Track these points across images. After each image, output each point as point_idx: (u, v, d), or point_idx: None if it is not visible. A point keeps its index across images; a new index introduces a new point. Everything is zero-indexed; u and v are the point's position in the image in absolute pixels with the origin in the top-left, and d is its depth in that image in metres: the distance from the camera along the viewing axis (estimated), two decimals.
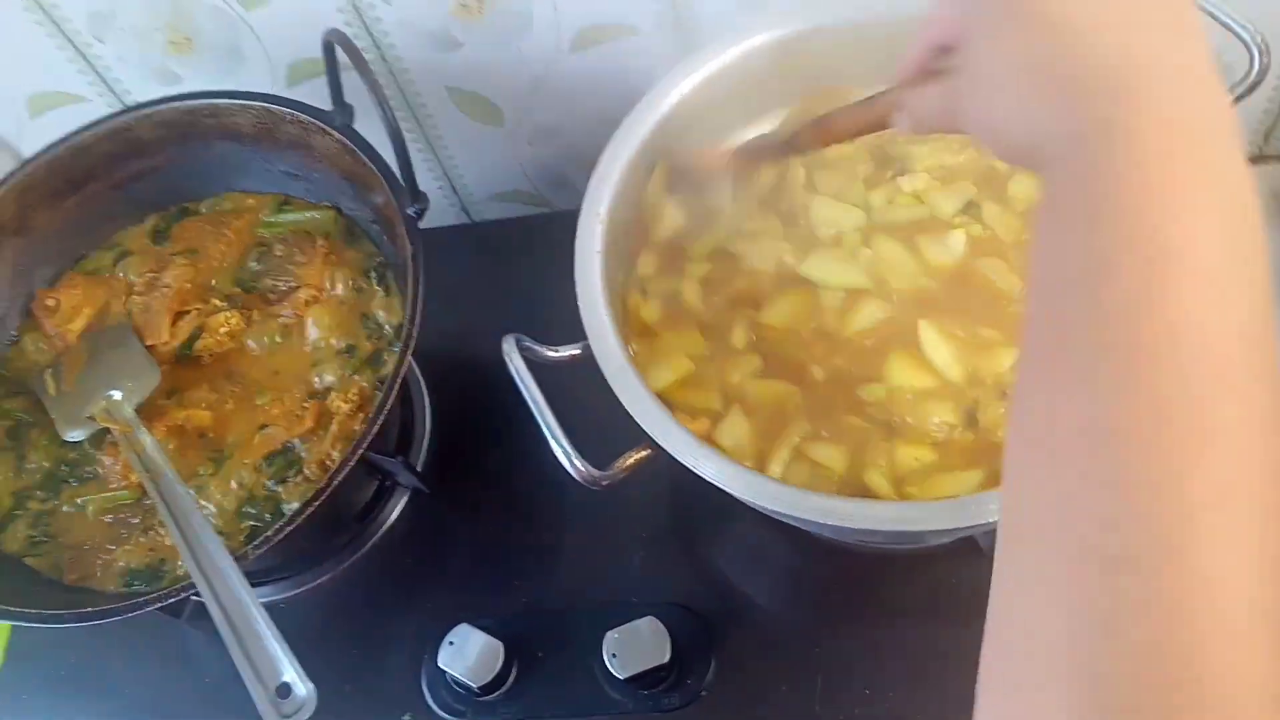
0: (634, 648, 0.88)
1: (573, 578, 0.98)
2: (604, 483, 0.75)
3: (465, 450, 1.06)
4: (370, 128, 0.97)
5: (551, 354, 0.82)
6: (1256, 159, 1.15)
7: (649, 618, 0.89)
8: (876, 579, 0.94)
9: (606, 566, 0.98)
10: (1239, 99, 0.82)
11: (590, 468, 0.74)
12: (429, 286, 1.19)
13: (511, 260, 1.21)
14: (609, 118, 1.18)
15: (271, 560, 0.97)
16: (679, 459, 0.75)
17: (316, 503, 0.78)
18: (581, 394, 0.82)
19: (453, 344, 1.16)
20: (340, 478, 0.78)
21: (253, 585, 1.00)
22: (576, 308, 0.84)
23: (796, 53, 0.95)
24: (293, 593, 1.01)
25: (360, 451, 0.79)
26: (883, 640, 0.90)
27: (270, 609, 0.99)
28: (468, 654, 0.90)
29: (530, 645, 0.94)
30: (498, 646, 0.90)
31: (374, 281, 0.98)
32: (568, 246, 0.87)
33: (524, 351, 0.80)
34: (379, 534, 1.03)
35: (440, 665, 0.89)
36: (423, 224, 1.29)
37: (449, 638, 0.90)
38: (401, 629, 0.98)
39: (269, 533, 0.78)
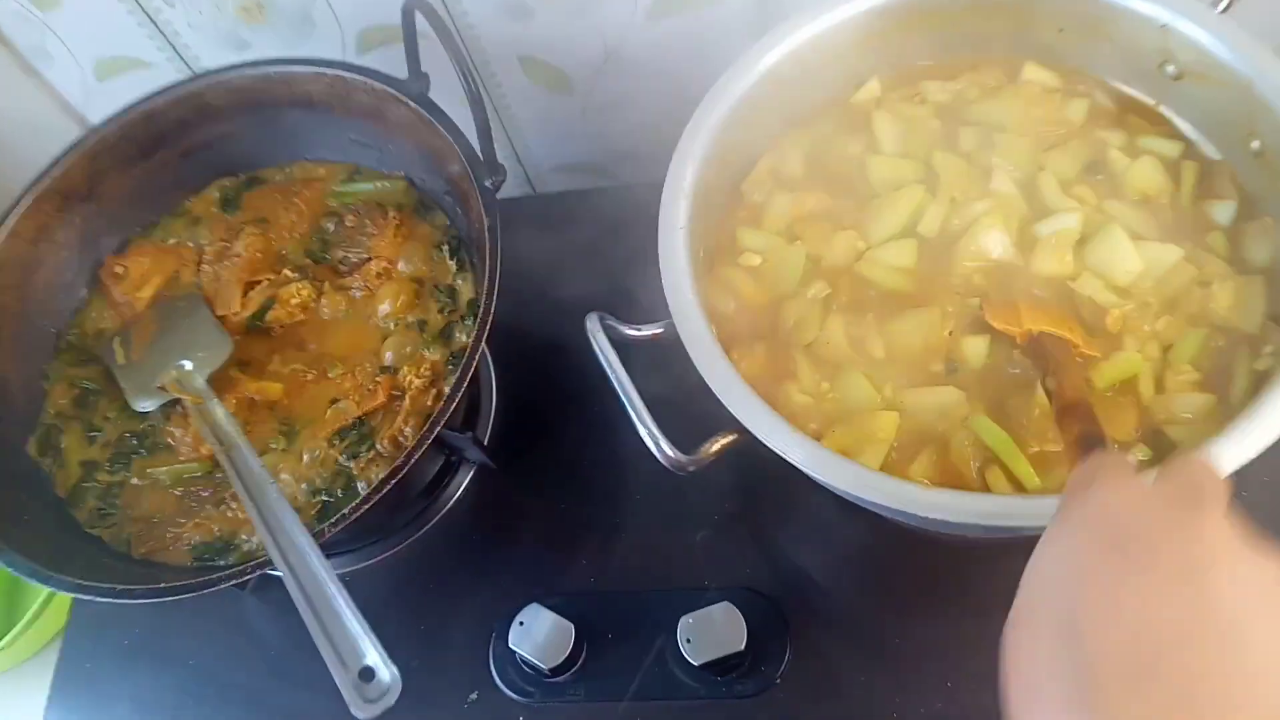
0: (709, 634, 0.86)
1: (643, 558, 0.96)
2: (690, 468, 0.73)
3: (532, 426, 1.05)
4: (443, 96, 0.95)
5: (634, 333, 0.80)
6: None
7: (724, 604, 0.87)
8: (961, 568, 0.90)
9: (678, 547, 0.96)
10: None
11: (678, 453, 0.72)
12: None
13: (577, 233, 1.18)
14: (682, 91, 1.14)
15: (342, 535, 0.97)
16: (770, 445, 0.73)
17: (393, 481, 0.77)
18: (660, 374, 0.81)
19: (519, 318, 1.13)
20: (418, 456, 0.76)
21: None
22: (645, 284, 0.81)
23: (884, 25, 0.92)
24: (357, 566, 1.01)
25: (437, 430, 0.77)
26: (967, 632, 0.85)
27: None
28: (537, 634, 0.88)
29: (600, 626, 0.92)
30: (568, 628, 0.88)
31: (446, 254, 0.96)
32: (634, 220, 0.84)
33: (607, 330, 0.78)
34: (445, 509, 1.02)
35: (510, 645, 0.88)
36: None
37: (519, 617, 0.89)
38: (468, 606, 0.96)
39: (345, 510, 0.76)
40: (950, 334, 0.81)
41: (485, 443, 1.02)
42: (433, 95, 0.95)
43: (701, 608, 0.87)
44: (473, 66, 1.12)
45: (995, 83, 0.93)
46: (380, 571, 1.00)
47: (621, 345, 0.80)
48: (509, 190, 1.32)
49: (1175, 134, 0.87)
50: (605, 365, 0.75)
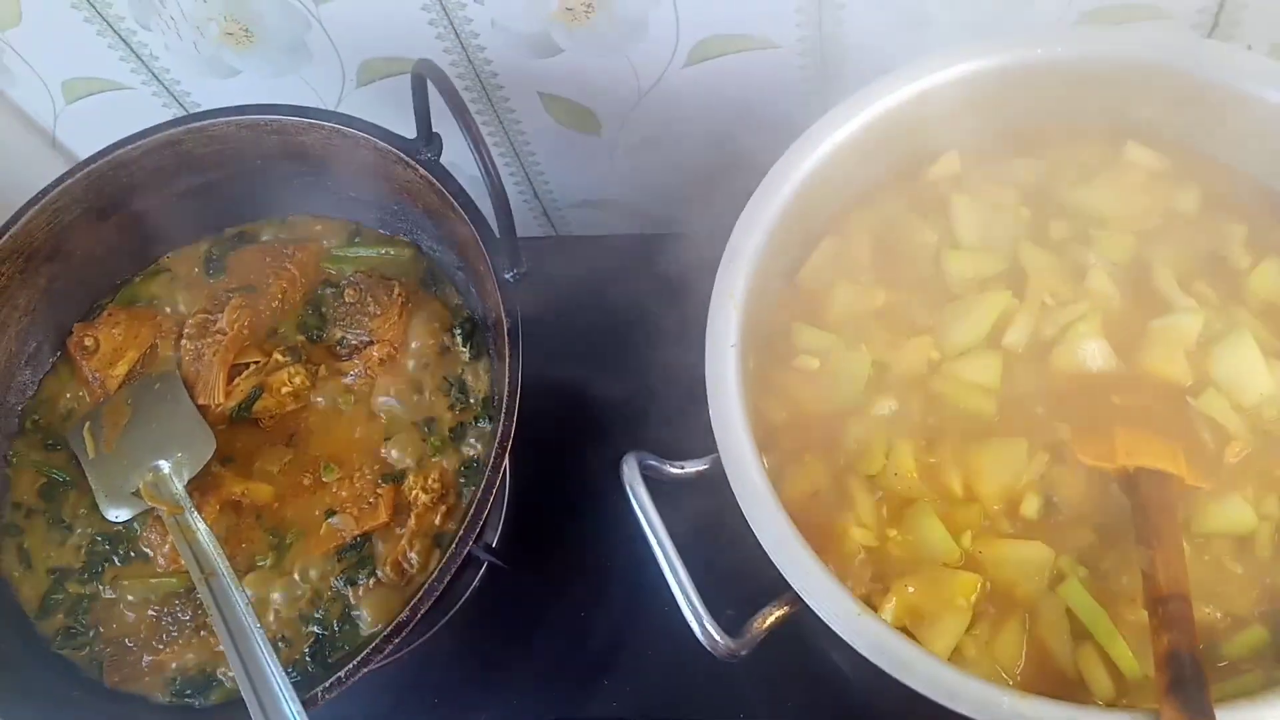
0: None
1: (670, 681, 0.87)
2: (742, 653, 0.63)
3: (550, 523, 0.95)
4: (459, 152, 0.83)
5: (676, 471, 0.69)
6: None
7: None
8: None
9: (713, 678, 0.86)
10: None
11: (725, 637, 0.62)
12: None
13: (603, 286, 1.06)
14: (719, 133, 1.03)
15: None
16: (834, 629, 0.63)
17: (396, 639, 0.67)
18: (704, 513, 0.71)
19: (537, 395, 1.04)
20: (425, 610, 0.66)
21: None
22: (682, 352, 0.71)
23: (973, 94, 0.79)
24: (360, 674, 0.91)
25: (446, 578, 0.67)
26: None
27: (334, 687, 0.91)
28: None
29: None
30: None
31: (459, 339, 0.84)
32: (671, 274, 0.75)
33: (645, 471, 0.67)
34: (456, 608, 0.92)
35: None
36: None
37: None
38: None
39: (341, 674, 0.67)
40: (1041, 473, 0.71)
41: (497, 539, 0.92)
42: (448, 155, 0.83)
43: None
44: (488, 100, 0.99)
45: (1092, 162, 0.81)
46: (384, 678, 0.90)
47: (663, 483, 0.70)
48: (525, 229, 1.20)
49: None
50: (646, 528, 0.65)
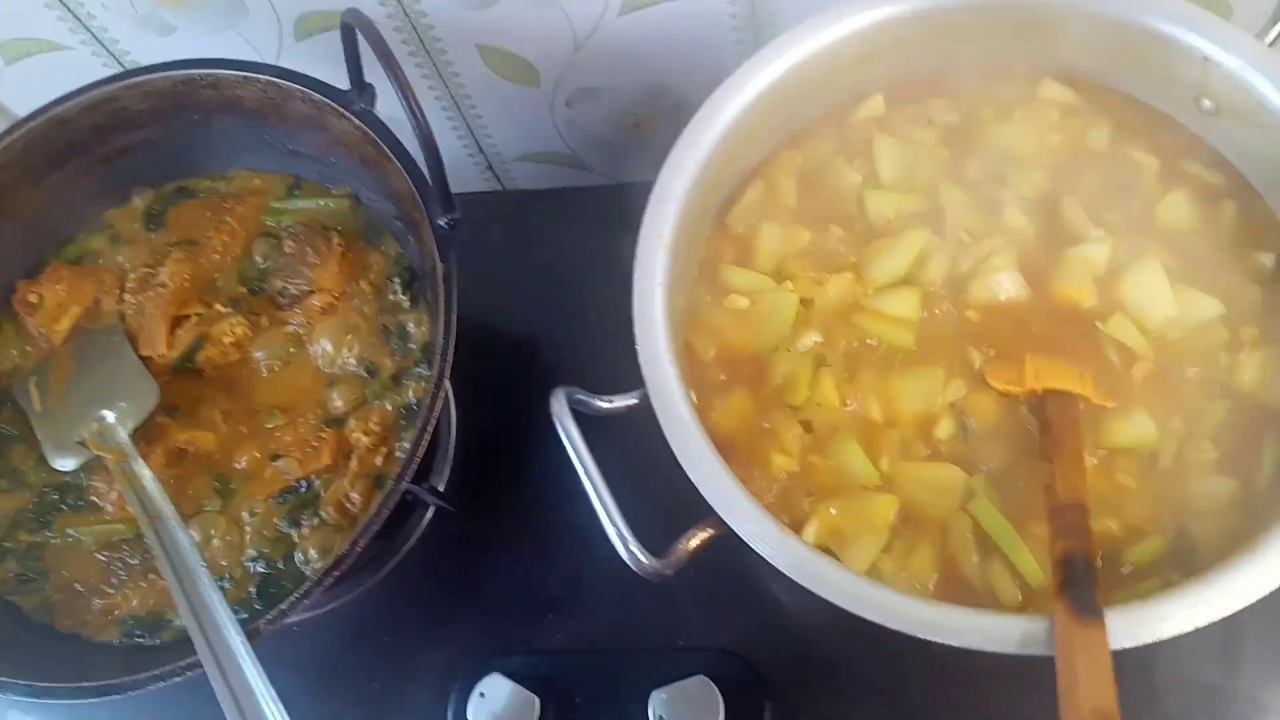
0: (683, 712, 0.80)
1: (613, 613, 0.90)
2: (667, 572, 0.66)
3: (497, 466, 0.97)
4: (394, 103, 0.84)
5: (606, 405, 0.72)
6: None
7: (699, 677, 0.81)
8: None
9: (651, 603, 0.89)
10: None
11: (650, 558, 0.65)
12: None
13: (549, 243, 1.08)
14: (658, 82, 1.05)
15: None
16: (755, 549, 0.65)
17: (337, 572, 0.69)
18: (633, 443, 0.73)
19: (484, 340, 1.06)
20: (362, 546, 0.69)
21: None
22: (626, 297, 0.73)
23: (893, 38, 0.81)
24: (306, 615, 0.93)
25: (384, 514, 0.69)
26: (969, 703, 0.82)
27: (284, 633, 0.92)
28: (498, 707, 0.82)
29: (567, 691, 0.86)
30: (532, 701, 0.82)
31: (398, 288, 0.86)
32: (613, 225, 0.76)
33: (574, 405, 0.70)
34: (404, 551, 0.94)
35: (469, 719, 0.82)
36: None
37: (479, 688, 0.83)
38: (427, 664, 0.90)
39: (284, 605, 0.69)
40: (957, 400, 0.74)
41: (445, 482, 0.94)
42: (391, 109, 0.84)
43: (675, 680, 0.81)
44: (427, 55, 1.00)
45: (1011, 99, 0.83)
46: (333, 621, 0.93)
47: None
48: (472, 185, 1.22)
49: (1217, 160, 0.78)
50: (574, 457, 0.67)
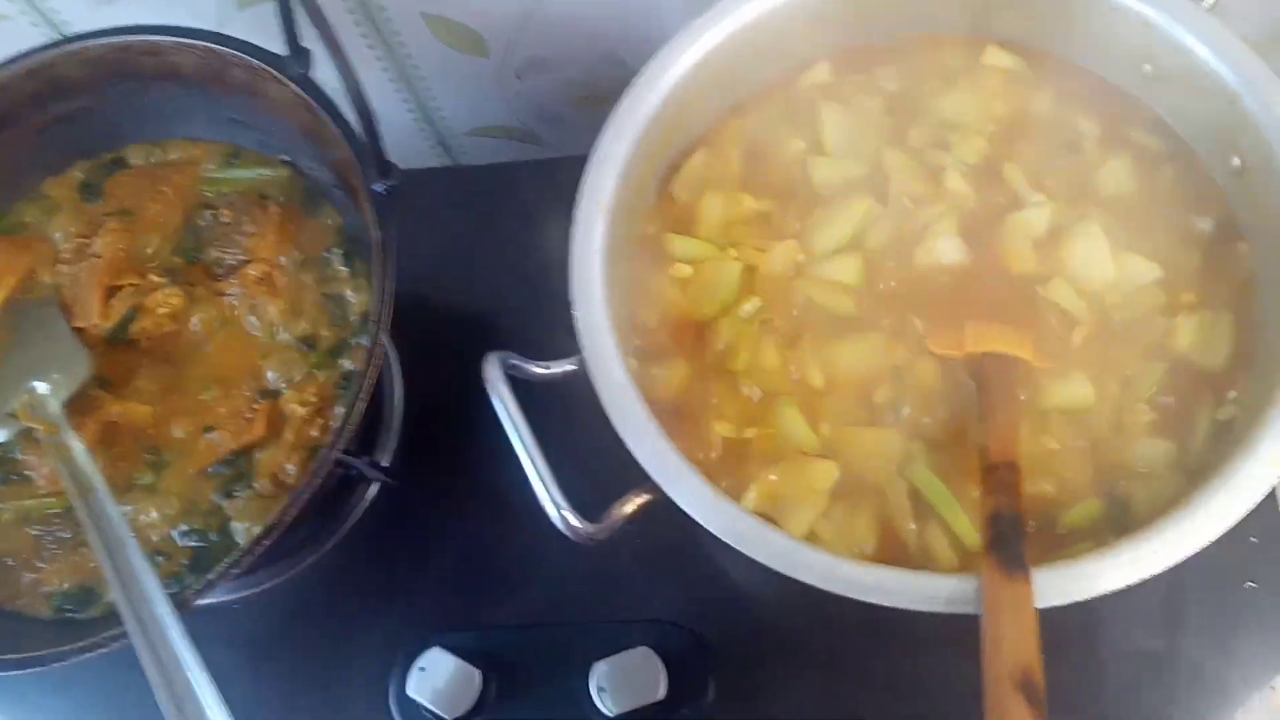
0: (625, 682, 0.80)
1: (558, 587, 0.89)
2: (601, 537, 0.65)
3: (443, 439, 0.96)
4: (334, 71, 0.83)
5: (542, 371, 0.71)
6: None
7: (642, 648, 0.81)
8: None
9: (596, 576, 0.88)
10: None
11: (584, 523, 0.64)
12: (402, 252, 1.07)
13: (500, 216, 1.07)
14: (610, 52, 1.04)
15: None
16: (689, 513, 0.65)
17: (267, 540, 0.68)
18: (575, 409, 0.72)
19: (430, 311, 1.05)
20: (292, 515, 0.68)
21: None
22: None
23: (831, 6, 0.81)
24: (247, 592, 0.92)
25: (315, 484, 0.68)
26: (907, 669, 0.82)
27: (223, 611, 0.92)
28: (439, 681, 0.81)
29: (510, 665, 0.85)
30: (472, 674, 0.81)
31: (339, 259, 0.85)
32: (565, 198, 0.75)
33: (509, 370, 0.69)
34: (347, 528, 0.93)
35: (410, 694, 0.81)
36: (395, 161, 1.17)
37: (420, 662, 0.82)
38: (369, 638, 0.89)
39: (211, 575, 0.68)
40: (897, 365, 0.74)
41: (389, 457, 0.94)
42: (326, 76, 0.83)
43: (618, 651, 0.81)
44: (372, 24, 0.99)
45: (956, 66, 0.83)
46: (273, 598, 0.92)
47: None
48: (423, 160, 1.20)
49: (1158, 126, 0.78)
50: (505, 418, 0.66)
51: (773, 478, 0.72)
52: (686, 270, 0.79)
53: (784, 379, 0.75)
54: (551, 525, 0.85)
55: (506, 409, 0.66)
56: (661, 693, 0.79)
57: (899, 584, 0.61)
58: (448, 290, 1.04)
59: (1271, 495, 0.84)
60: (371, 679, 0.86)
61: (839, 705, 0.82)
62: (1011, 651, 0.53)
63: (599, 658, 0.81)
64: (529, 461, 0.65)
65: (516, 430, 0.65)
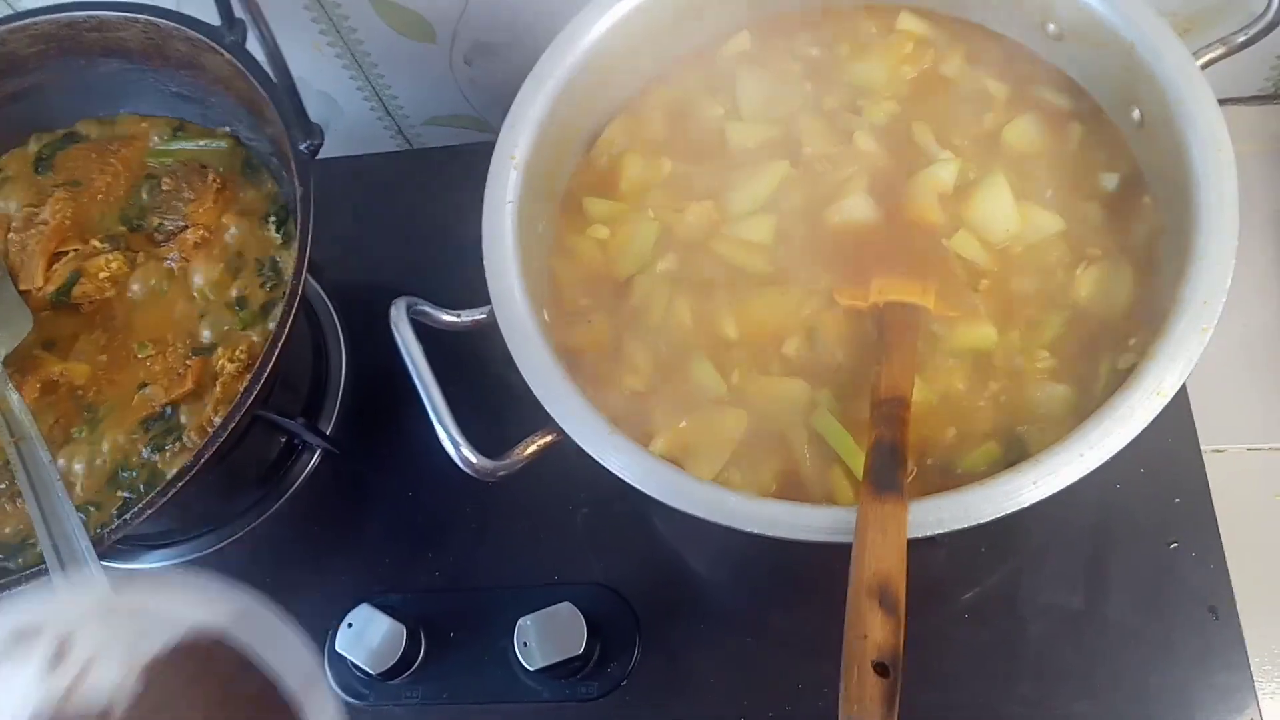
0: (547, 636, 0.81)
1: (492, 551, 0.91)
2: (500, 474, 0.66)
3: (384, 407, 0.97)
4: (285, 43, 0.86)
5: (452, 319, 0.73)
6: (1273, 97, 1.03)
7: (565, 604, 0.81)
8: (825, 562, 0.85)
9: (530, 540, 0.90)
10: (1254, 41, 0.71)
11: (482, 458, 0.66)
12: (354, 225, 1.10)
13: (450, 193, 1.09)
14: (556, 34, 1.06)
15: (161, 525, 0.90)
16: (585, 449, 0.66)
17: (179, 484, 0.69)
18: (493, 362, 0.74)
19: (375, 287, 1.07)
20: (207, 457, 0.69)
21: (148, 549, 0.94)
22: None
23: None
24: (193, 557, 0.94)
25: (223, 437, 0.70)
26: (831, 631, 0.81)
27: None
28: (368, 637, 0.83)
29: (442, 625, 0.87)
30: (400, 631, 0.82)
31: (272, 224, 0.87)
32: None
33: (416, 316, 0.71)
34: (289, 494, 0.95)
35: (338, 649, 0.82)
36: (354, 150, 1.20)
37: (348, 619, 0.83)
38: (307, 600, 0.90)
39: (128, 515, 0.69)
40: (807, 317, 0.75)
41: (332, 425, 0.96)
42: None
43: (544, 607, 0.82)
44: (323, 10, 1.02)
45: (871, 31, 0.85)
46: (217, 563, 0.94)
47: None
48: (380, 145, 1.23)
49: (1065, 86, 0.80)
50: (406, 358, 0.68)
51: (682, 425, 0.73)
52: (604, 232, 0.81)
53: (697, 333, 0.76)
54: (486, 490, 0.88)
55: (408, 349, 0.67)
56: (581, 646, 0.80)
57: (784, 515, 0.62)
58: (397, 265, 1.07)
59: (1197, 454, 0.85)
60: (310, 636, 0.87)
61: (762, 665, 0.83)
62: (873, 563, 0.54)
63: (523, 615, 0.82)
64: (427, 399, 0.66)
65: (416, 369, 0.67)
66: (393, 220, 1.11)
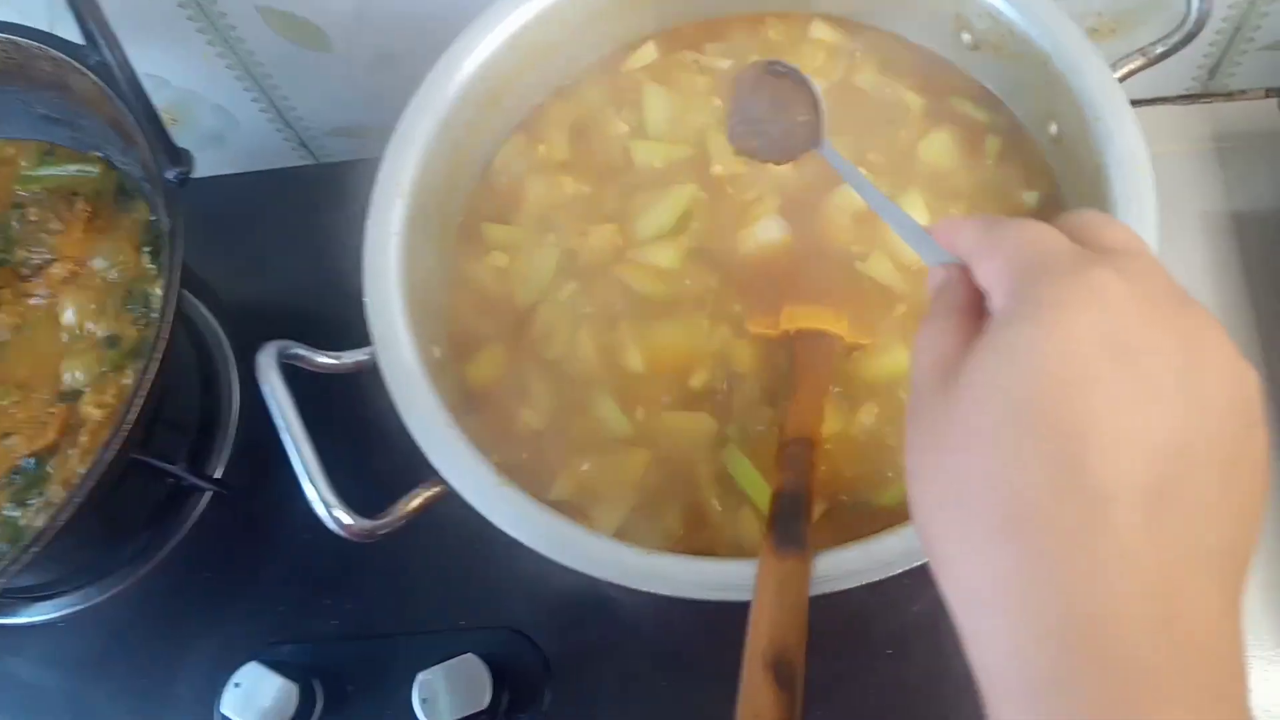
0: (451, 690, 0.76)
1: (394, 596, 0.85)
2: (381, 533, 0.61)
3: (278, 444, 0.91)
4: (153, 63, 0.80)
5: (329, 361, 0.67)
6: (1199, 96, 1.01)
7: (468, 655, 0.77)
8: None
9: (434, 582, 0.85)
10: (1174, 50, 0.68)
11: (359, 519, 0.60)
12: (254, 246, 1.04)
13: (357, 209, 1.03)
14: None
15: (38, 578, 0.84)
16: (470, 501, 0.61)
17: (36, 548, 0.64)
18: (379, 407, 0.68)
19: (273, 314, 1.01)
20: (64, 519, 0.63)
21: (27, 601, 0.88)
22: None
23: None
24: (77, 609, 0.87)
25: (89, 485, 0.64)
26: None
27: (47, 629, 0.88)
28: (258, 698, 0.77)
29: (340, 678, 0.81)
30: (291, 690, 0.77)
31: (146, 256, 0.81)
32: None
33: (290, 360, 0.65)
34: (177, 539, 0.89)
35: (224, 712, 0.77)
36: (256, 165, 1.14)
37: (235, 678, 0.78)
38: (198, 655, 0.85)
39: None
40: (717, 348, 0.71)
41: (224, 464, 0.90)
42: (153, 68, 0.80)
43: (444, 659, 0.77)
44: (208, 20, 0.95)
45: (783, 40, 0.81)
46: (100, 615, 0.87)
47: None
48: (284, 159, 1.17)
49: (983, 98, 0.76)
50: (274, 411, 0.62)
51: (585, 467, 0.68)
52: (503, 260, 0.76)
53: (600, 365, 0.72)
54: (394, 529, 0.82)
55: (277, 400, 0.62)
56: (486, 701, 0.75)
57: (679, 571, 0.57)
58: (298, 289, 1.01)
59: None
60: (198, 698, 0.82)
61: (678, 708, 0.78)
62: (769, 630, 0.50)
63: (425, 667, 0.77)
64: (296, 455, 0.61)
65: (285, 422, 0.61)
66: (295, 240, 1.05)
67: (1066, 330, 0.32)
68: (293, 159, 1.16)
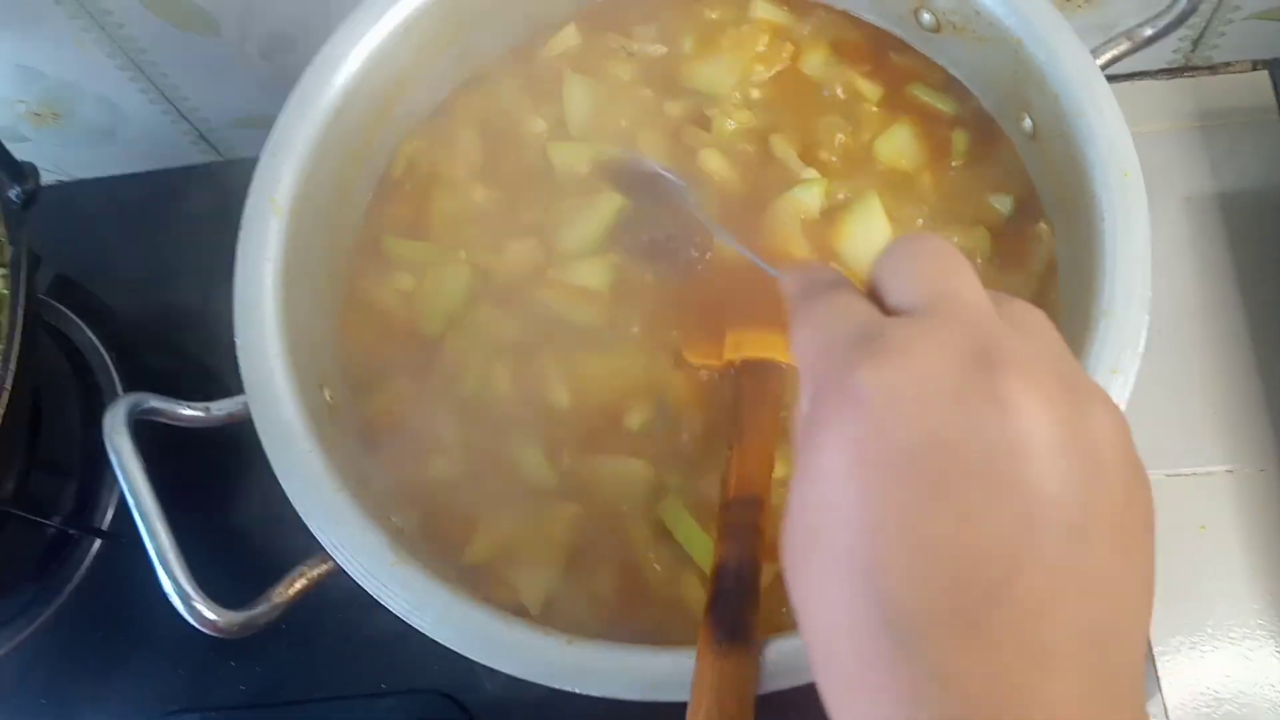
0: None
1: (308, 657, 0.76)
2: (261, 623, 0.53)
3: (176, 497, 0.82)
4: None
5: (195, 413, 0.57)
6: (1181, 70, 0.92)
7: None
8: None
9: (352, 642, 0.76)
10: (1163, 35, 0.59)
11: (226, 614, 0.51)
12: (149, 258, 0.93)
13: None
14: None
15: None
16: (362, 584, 0.53)
17: None
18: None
19: (170, 337, 0.91)
20: None
21: None
22: None
23: None
24: None
25: None
26: None
27: None
28: None
29: None
30: None
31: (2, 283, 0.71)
32: None
33: (145, 417, 0.56)
34: (66, 593, 0.80)
35: None
36: (155, 164, 1.03)
37: None
38: None
39: None
40: (652, 382, 0.62)
41: (115, 505, 0.80)
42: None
43: None
44: (79, 4, 0.84)
45: (721, 20, 0.71)
46: None
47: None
48: (186, 156, 1.06)
49: (947, 86, 0.67)
50: (123, 483, 0.53)
51: (504, 524, 0.60)
52: (408, 280, 0.67)
53: (519, 403, 0.63)
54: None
55: (124, 469, 0.52)
56: None
57: (610, 665, 0.49)
58: (202, 309, 0.91)
59: None
60: None
61: None
62: None
63: None
64: (148, 536, 0.52)
65: (135, 497, 0.52)
66: (198, 246, 0.93)
67: (829, 461, 0.31)
68: (194, 155, 1.06)
